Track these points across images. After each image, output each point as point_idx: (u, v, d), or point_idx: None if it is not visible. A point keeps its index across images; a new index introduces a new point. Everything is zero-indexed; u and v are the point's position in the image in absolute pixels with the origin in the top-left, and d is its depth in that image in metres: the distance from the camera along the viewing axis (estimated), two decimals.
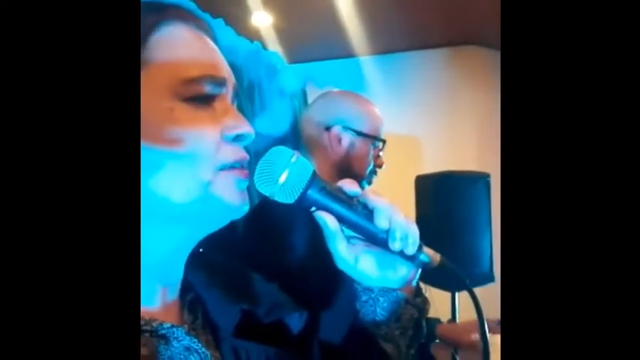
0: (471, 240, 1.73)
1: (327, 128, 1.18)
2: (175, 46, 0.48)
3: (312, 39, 3.15)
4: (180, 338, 0.47)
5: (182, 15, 0.50)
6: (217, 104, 0.49)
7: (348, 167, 1.17)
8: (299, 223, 0.97)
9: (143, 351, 0.45)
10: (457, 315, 1.83)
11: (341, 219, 0.54)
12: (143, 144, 0.44)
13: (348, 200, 0.54)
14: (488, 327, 0.59)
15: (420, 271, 0.59)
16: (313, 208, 0.54)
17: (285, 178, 0.51)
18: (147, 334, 0.46)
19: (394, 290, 0.58)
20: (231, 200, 0.48)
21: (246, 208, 0.50)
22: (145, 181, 0.45)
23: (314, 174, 0.53)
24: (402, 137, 2.99)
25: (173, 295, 0.52)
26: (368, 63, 3.33)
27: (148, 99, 0.45)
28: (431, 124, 3.30)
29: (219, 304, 0.54)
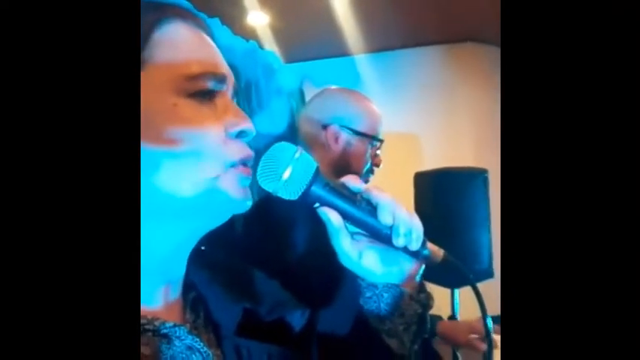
0: (470, 236, 1.73)
1: (325, 126, 1.18)
2: (176, 44, 0.48)
3: (309, 38, 3.15)
4: (183, 337, 0.47)
5: (181, 13, 0.50)
6: (218, 101, 0.49)
7: (344, 166, 1.17)
8: (300, 220, 0.97)
9: (145, 350, 0.45)
10: (457, 311, 1.83)
11: (345, 215, 0.54)
12: (148, 141, 0.44)
13: (351, 196, 0.54)
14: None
15: (423, 266, 0.59)
16: (317, 204, 0.54)
17: (289, 174, 0.51)
18: (149, 334, 0.46)
19: (398, 286, 0.58)
20: (235, 195, 0.48)
21: (249, 203, 0.50)
22: (149, 178, 0.45)
23: (317, 170, 0.53)
24: (400, 135, 2.99)
25: (175, 294, 0.52)
26: (365, 61, 3.33)
27: (152, 96, 0.45)
28: (429, 121, 3.30)
29: (221, 302, 0.54)
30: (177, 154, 0.46)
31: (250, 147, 0.51)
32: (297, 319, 0.58)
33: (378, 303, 0.58)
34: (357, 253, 0.56)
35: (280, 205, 0.54)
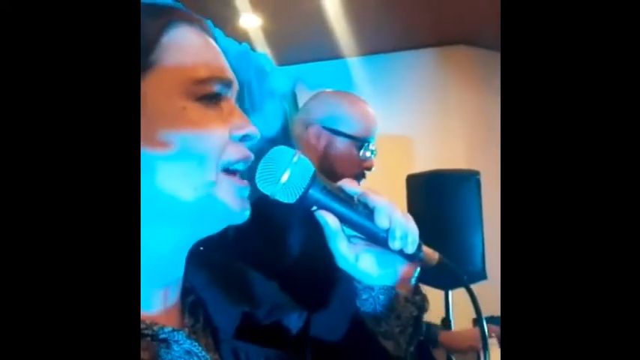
0: (463, 238, 1.74)
1: (308, 126, 1.16)
2: (185, 48, 0.49)
3: (302, 41, 3.15)
4: (181, 342, 0.48)
5: (188, 17, 0.51)
6: (224, 105, 0.50)
7: (329, 168, 1.13)
8: (296, 223, 0.96)
9: (144, 355, 0.45)
10: (451, 313, 1.84)
11: (342, 218, 0.55)
12: (153, 143, 0.45)
13: (348, 200, 0.55)
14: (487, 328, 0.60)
15: (418, 269, 0.60)
16: (314, 208, 0.54)
17: (287, 177, 0.51)
18: (148, 338, 0.46)
19: (394, 288, 0.58)
20: (232, 205, 0.49)
21: (247, 214, 0.50)
22: (152, 179, 0.46)
23: (315, 174, 0.53)
24: (392, 137, 2.99)
25: (173, 298, 0.52)
26: (358, 64, 3.33)
27: (160, 99, 0.46)
28: (421, 123, 3.31)
29: (220, 305, 0.54)
30: (181, 156, 0.46)
31: (251, 150, 0.51)
32: (295, 321, 0.59)
33: (374, 305, 0.58)
34: (353, 256, 0.57)
35: (275, 207, 0.54)
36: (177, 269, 0.52)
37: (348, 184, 0.55)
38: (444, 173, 1.84)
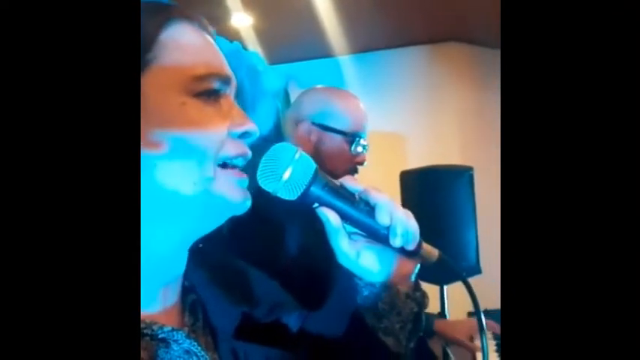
0: (457, 233, 1.74)
1: (298, 123, 1.16)
2: (183, 46, 0.49)
3: (293, 39, 3.15)
4: (181, 341, 0.48)
5: (186, 14, 0.51)
6: (223, 102, 0.50)
7: (321, 164, 1.12)
8: (293, 219, 0.96)
9: (143, 355, 0.45)
10: (446, 307, 1.85)
11: (343, 215, 0.55)
12: (154, 138, 0.45)
13: (350, 197, 0.55)
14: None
15: (418, 266, 0.60)
16: (316, 205, 0.54)
17: (289, 174, 0.52)
18: (147, 338, 0.46)
19: (395, 285, 0.59)
20: (232, 197, 0.49)
21: (248, 204, 0.50)
22: (152, 176, 0.46)
23: (317, 171, 0.54)
24: (385, 134, 3.00)
25: (173, 297, 0.52)
26: (350, 62, 3.34)
27: (158, 96, 0.46)
28: (414, 120, 3.32)
29: (220, 304, 0.54)
30: (181, 152, 0.46)
31: (249, 147, 0.52)
32: (294, 319, 0.59)
33: (375, 301, 0.58)
34: (354, 253, 0.57)
35: (273, 204, 0.54)
36: (178, 267, 0.52)
37: (349, 181, 0.56)
38: (438, 169, 1.85)
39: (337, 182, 0.55)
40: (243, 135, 0.50)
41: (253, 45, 2.97)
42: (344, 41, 3.09)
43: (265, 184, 0.52)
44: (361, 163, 1.19)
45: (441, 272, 0.61)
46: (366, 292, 0.59)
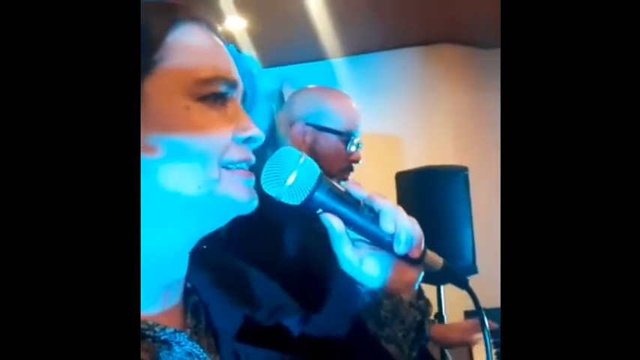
0: (453, 233, 1.75)
1: (292, 124, 1.16)
2: (190, 48, 0.48)
3: (287, 42, 3.15)
4: (183, 343, 0.47)
5: (195, 15, 0.50)
6: (229, 106, 0.49)
7: (317, 164, 1.12)
8: (296, 223, 0.95)
9: (145, 356, 0.44)
10: (443, 308, 1.85)
11: (347, 221, 0.54)
12: (157, 140, 0.45)
13: (354, 203, 0.54)
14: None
15: (422, 274, 0.59)
16: (320, 210, 0.54)
17: (293, 179, 0.51)
18: (149, 340, 0.46)
19: (398, 293, 0.58)
20: (238, 196, 0.48)
21: (255, 203, 0.50)
22: (156, 179, 0.45)
23: (321, 176, 0.53)
24: (380, 136, 3.00)
25: (174, 298, 0.51)
26: (344, 64, 3.34)
27: (163, 99, 0.46)
28: (408, 122, 3.33)
29: (222, 305, 0.53)
30: (184, 156, 0.46)
31: (255, 153, 0.51)
32: (296, 323, 0.58)
33: (377, 309, 0.58)
34: (357, 260, 0.56)
35: (276, 207, 0.54)
36: (179, 269, 0.51)
37: (354, 187, 0.55)
38: (433, 170, 1.86)
39: (342, 188, 0.55)
40: (248, 140, 0.50)
41: (247, 48, 2.97)
42: (338, 44, 3.10)
43: (269, 188, 0.52)
44: (356, 161, 1.19)
45: (447, 281, 0.60)
46: (368, 299, 0.58)
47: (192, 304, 0.52)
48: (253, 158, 0.50)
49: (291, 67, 3.40)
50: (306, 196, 0.52)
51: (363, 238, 0.56)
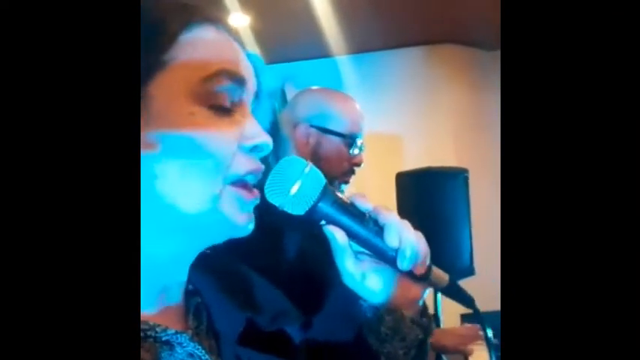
0: (452, 234, 1.75)
1: (295, 126, 1.15)
2: (199, 47, 0.46)
3: (291, 39, 3.15)
4: (185, 344, 0.46)
5: (210, 16, 0.49)
6: (237, 113, 0.48)
7: (319, 166, 1.11)
8: (301, 231, 0.94)
9: (146, 356, 0.44)
10: (440, 311, 1.85)
11: (350, 234, 0.53)
12: (158, 146, 0.43)
13: (359, 215, 0.53)
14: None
15: (427, 290, 0.58)
16: (323, 222, 0.53)
17: (297, 189, 0.50)
18: (150, 340, 0.45)
19: (400, 309, 0.57)
20: (235, 219, 0.47)
21: (250, 227, 0.48)
22: (153, 187, 0.44)
23: (326, 186, 0.52)
24: (381, 135, 3.00)
25: (174, 299, 0.50)
26: (346, 62, 3.34)
27: (168, 102, 0.44)
28: (410, 121, 3.33)
29: (224, 307, 0.53)
30: (185, 165, 0.44)
31: (264, 159, 0.49)
32: (297, 331, 0.57)
33: (378, 325, 0.56)
34: (360, 274, 0.55)
35: (282, 215, 0.52)
36: (177, 273, 0.50)
37: (359, 199, 0.54)
38: (433, 171, 1.86)
39: (347, 199, 0.54)
40: (255, 149, 0.48)
41: (250, 45, 2.97)
42: (341, 42, 3.10)
43: (272, 197, 0.50)
44: (358, 165, 1.19)
45: (452, 298, 0.59)
46: (369, 315, 0.57)
47: (195, 305, 0.52)
48: (262, 168, 0.49)
49: (293, 64, 3.39)
50: (309, 206, 0.51)
51: (367, 251, 0.55)
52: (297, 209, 0.51)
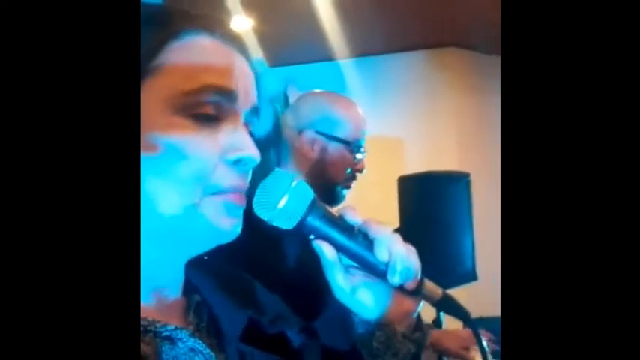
0: (454, 239, 1.75)
1: (300, 132, 1.15)
2: (188, 56, 0.45)
3: (293, 42, 3.15)
4: (185, 339, 0.46)
5: (208, 25, 0.47)
6: (226, 122, 0.46)
7: (321, 173, 1.12)
8: (296, 239, 0.94)
9: (147, 349, 0.44)
10: (442, 313, 1.85)
11: (340, 248, 0.53)
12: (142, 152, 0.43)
13: (348, 229, 0.53)
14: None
15: (420, 305, 0.58)
16: (312, 236, 0.53)
17: (284, 203, 0.50)
18: (150, 334, 0.45)
19: (392, 324, 0.56)
20: (220, 224, 0.46)
21: (237, 231, 0.47)
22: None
23: (314, 200, 0.52)
24: (383, 139, 3.00)
25: (172, 295, 0.50)
26: (349, 65, 3.34)
27: (151, 106, 0.43)
28: (412, 125, 3.33)
29: (226, 306, 0.52)
30: (164, 169, 0.44)
31: (248, 176, 0.48)
32: (297, 335, 0.57)
33: (370, 340, 0.56)
34: (350, 288, 0.55)
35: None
36: (169, 275, 0.50)
37: (349, 212, 0.53)
38: (435, 175, 1.85)
39: (336, 213, 0.53)
40: (238, 162, 0.46)
41: (253, 48, 2.97)
42: (343, 45, 3.10)
43: (260, 212, 0.51)
44: (361, 171, 1.19)
45: (448, 312, 0.58)
46: (361, 330, 0.57)
47: (196, 302, 0.52)
48: (246, 186, 0.48)
49: (296, 67, 3.40)
50: (297, 220, 0.51)
51: (358, 265, 0.55)
52: (286, 224, 0.51)
